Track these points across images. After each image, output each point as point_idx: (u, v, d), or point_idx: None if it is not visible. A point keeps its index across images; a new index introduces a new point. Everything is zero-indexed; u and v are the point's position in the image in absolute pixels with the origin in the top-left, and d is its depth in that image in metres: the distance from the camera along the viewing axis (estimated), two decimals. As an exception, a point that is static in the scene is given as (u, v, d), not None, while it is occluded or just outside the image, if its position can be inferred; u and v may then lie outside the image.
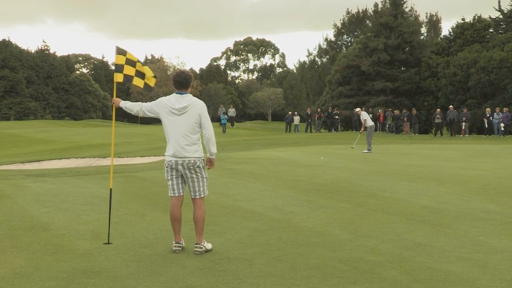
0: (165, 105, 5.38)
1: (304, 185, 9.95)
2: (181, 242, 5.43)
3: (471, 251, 5.42)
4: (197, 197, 5.43)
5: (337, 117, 41.09)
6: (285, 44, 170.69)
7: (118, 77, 6.13)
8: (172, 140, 5.36)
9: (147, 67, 6.27)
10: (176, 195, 5.45)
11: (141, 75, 6.18)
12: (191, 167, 5.36)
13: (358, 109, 19.95)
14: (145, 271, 4.74)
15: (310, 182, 10.30)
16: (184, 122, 5.32)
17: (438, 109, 33.23)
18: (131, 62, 6.15)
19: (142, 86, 6.21)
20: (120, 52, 6.15)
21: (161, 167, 13.34)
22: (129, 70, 6.14)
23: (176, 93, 5.42)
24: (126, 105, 5.70)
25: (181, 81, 5.41)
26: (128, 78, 6.15)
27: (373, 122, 19.43)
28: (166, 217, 7.06)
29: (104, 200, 8.40)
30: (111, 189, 6.29)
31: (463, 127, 32.29)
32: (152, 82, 6.21)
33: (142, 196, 8.91)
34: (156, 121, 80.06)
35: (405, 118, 35.84)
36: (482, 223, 6.73)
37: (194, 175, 5.40)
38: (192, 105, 5.34)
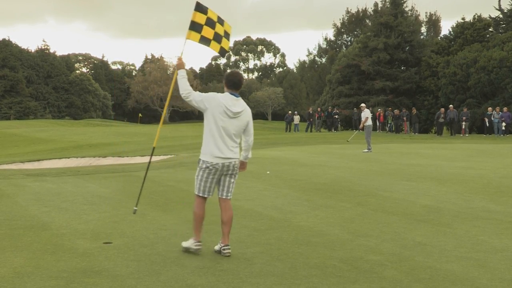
0: (220, 104, 5.15)
1: (304, 184, 9.95)
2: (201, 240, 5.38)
3: (471, 250, 5.42)
4: (229, 197, 5.35)
5: (337, 116, 41.08)
6: (286, 44, 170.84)
7: (194, 36, 5.74)
8: (219, 141, 5.16)
9: (226, 24, 5.86)
10: (209, 196, 5.31)
11: (218, 38, 5.81)
12: (231, 168, 5.24)
13: (363, 105, 19.85)
14: (145, 270, 4.74)
15: (310, 181, 10.30)
16: (235, 126, 5.20)
17: (442, 109, 33.20)
18: (211, 23, 5.75)
19: (218, 50, 5.87)
20: (201, 9, 5.71)
21: (161, 166, 13.34)
22: (207, 32, 5.75)
23: (230, 93, 5.25)
24: (183, 74, 5.35)
25: (236, 82, 5.29)
26: (205, 41, 5.77)
27: (372, 122, 19.43)
28: (166, 217, 7.07)
29: (104, 200, 8.40)
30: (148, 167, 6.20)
31: (463, 127, 32.29)
32: (227, 45, 5.88)
33: (142, 195, 8.88)
34: (156, 120, 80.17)
35: (405, 118, 35.83)
36: (482, 222, 6.73)
37: (231, 177, 5.31)
38: (245, 111, 5.27)
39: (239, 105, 5.23)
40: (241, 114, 5.22)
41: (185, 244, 5.36)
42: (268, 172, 7.58)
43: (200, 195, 5.29)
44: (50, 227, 6.45)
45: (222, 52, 6.00)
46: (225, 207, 5.34)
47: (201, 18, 5.71)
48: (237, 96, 5.25)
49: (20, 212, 7.40)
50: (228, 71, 5.41)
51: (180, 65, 5.44)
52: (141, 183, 6.31)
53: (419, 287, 4.34)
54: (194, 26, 5.71)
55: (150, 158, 6.54)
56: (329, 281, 4.46)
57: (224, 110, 5.14)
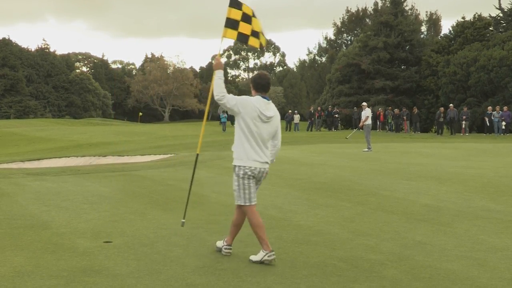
0: (255, 109, 4.97)
1: (304, 183, 9.95)
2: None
3: (471, 249, 5.42)
4: (256, 202, 5.15)
5: (337, 115, 41.09)
6: (286, 43, 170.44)
7: (230, 34, 5.53)
8: (256, 146, 4.99)
9: (258, 21, 5.60)
10: (255, 203, 5.10)
11: (256, 33, 5.58)
12: (264, 174, 5.12)
13: (365, 104, 19.83)
14: (145, 269, 4.74)
15: (310, 180, 10.30)
16: (268, 130, 5.05)
17: (442, 108, 33.22)
18: (247, 18, 5.49)
19: (258, 46, 5.65)
20: (235, 4, 5.50)
21: (161, 165, 13.34)
22: (245, 28, 5.52)
23: (262, 97, 5.07)
24: (220, 75, 5.11)
25: (265, 85, 5.11)
26: (243, 38, 5.55)
27: (371, 122, 19.42)
28: (166, 216, 7.07)
29: (104, 199, 8.40)
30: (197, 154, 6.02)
31: (463, 126, 32.29)
32: (264, 41, 5.68)
33: (142, 194, 8.91)
34: (156, 119, 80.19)
35: (405, 117, 35.83)
36: (482, 221, 6.73)
37: (258, 183, 5.17)
38: (276, 115, 5.13)
39: (272, 109, 5.09)
40: (273, 119, 5.09)
41: (255, 257, 4.99)
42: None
43: (248, 204, 5.02)
44: (50, 226, 6.45)
45: (262, 48, 5.86)
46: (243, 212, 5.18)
47: (236, 14, 5.50)
48: (268, 99, 5.10)
49: (20, 211, 7.40)
50: (255, 73, 5.24)
51: (217, 65, 5.20)
52: (187, 193, 5.88)
53: (419, 286, 4.34)
54: (230, 23, 5.51)
55: (194, 169, 6.06)
56: (329, 280, 4.46)
57: (258, 114, 4.97)
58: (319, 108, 42.55)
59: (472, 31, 41.84)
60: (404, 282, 4.41)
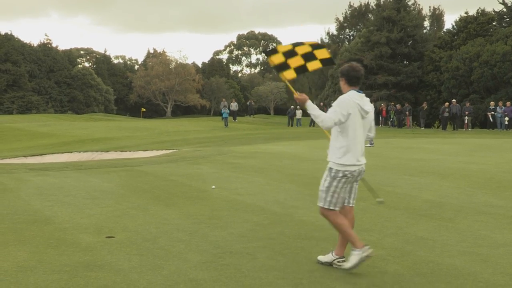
0: (356, 105, 4.56)
1: (306, 179, 9.95)
2: None
3: (474, 245, 5.42)
4: (354, 204, 4.83)
5: (339, 111, 40.99)
6: (289, 38, 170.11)
7: (288, 74, 5.29)
8: (358, 145, 4.61)
9: (306, 44, 5.30)
10: (339, 208, 4.70)
11: (309, 56, 5.28)
12: (362, 173, 4.74)
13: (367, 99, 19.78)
14: (148, 264, 4.75)
15: (312, 176, 10.30)
16: (365, 126, 4.69)
17: (447, 103, 33.16)
18: (291, 53, 5.26)
19: (320, 65, 5.33)
20: (272, 52, 5.28)
21: (163, 161, 13.35)
22: (295, 61, 5.28)
23: (357, 91, 4.63)
24: (311, 109, 4.66)
25: (360, 77, 4.67)
26: (301, 69, 5.29)
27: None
28: (168, 211, 7.08)
29: (106, 194, 8.42)
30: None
31: (466, 121, 32.23)
32: (325, 53, 5.31)
33: (145, 190, 8.92)
34: (158, 115, 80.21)
35: (407, 112, 35.76)
36: (485, 217, 6.73)
37: (357, 182, 4.79)
38: (372, 107, 4.73)
39: (368, 102, 4.68)
40: (370, 113, 4.69)
41: (352, 262, 4.54)
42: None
43: (332, 208, 4.62)
44: (53, 221, 6.47)
45: (327, 62, 5.41)
46: (351, 216, 4.81)
47: (278, 58, 5.26)
48: (362, 93, 4.66)
49: (23, 206, 7.42)
50: (346, 65, 4.73)
51: (302, 101, 4.77)
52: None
53: (421, 281, 4.34)
54: (280, 68, 5.27)
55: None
56: (331, 275, 4.47)
57: (359, 110, 4.58)
58: (321, 104, 42.50)
59: (475, 26, 41.69)
60: (406, 278, 4.42)
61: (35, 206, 7.47)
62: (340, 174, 4.60)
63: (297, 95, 4.87)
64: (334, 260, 4.69)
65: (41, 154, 18.47)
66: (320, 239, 5.65)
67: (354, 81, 4.65)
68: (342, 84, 4.72)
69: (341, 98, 4.60)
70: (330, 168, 4.70)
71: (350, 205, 4.77)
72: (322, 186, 4.70)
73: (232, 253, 5.11)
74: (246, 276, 4.43)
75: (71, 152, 19.23)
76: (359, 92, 4.63)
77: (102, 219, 6.60)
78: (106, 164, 12.92)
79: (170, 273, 4.51)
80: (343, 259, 4.63)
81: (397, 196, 8.22)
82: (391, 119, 37.64)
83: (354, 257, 4.52)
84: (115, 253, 5.11)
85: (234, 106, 41.62)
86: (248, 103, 55.75)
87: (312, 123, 39.81)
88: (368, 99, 4.70)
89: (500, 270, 4.61)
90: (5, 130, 33.53)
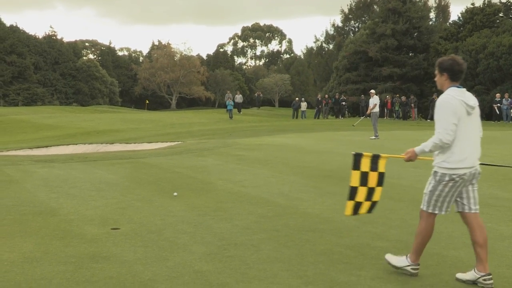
0: (462, 103, 4.13)
1: (311, 171, 9.94)
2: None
3: (479, 237, 5.40)
4: (478, 210, 4.37)
5: (344, 103, 40.94)
6: (295, 30, 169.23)
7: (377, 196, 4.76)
8: (470, 146, 4.27)
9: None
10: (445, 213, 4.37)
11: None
12: (476, 175, 4.39)
13: (373, 91, 19.73)
14: (153, 256, 4.76)
15: (317, 168, 10.29)
16: (474, 124, 4.29)
17: None
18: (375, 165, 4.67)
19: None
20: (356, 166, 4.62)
21: (168, 153, 13.37)
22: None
23: (457, 87, 4.21)
24: (425, 149, 4.33)
25: (463, 72, 4.25)
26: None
27: (379, 109, 19.37)
28: (173, 203, 7.09)
29: (111, 186, 8.44)
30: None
31: (472, 113, 32.06)
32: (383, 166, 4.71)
33: (149, 182, 8.94)
34: (163, 107, 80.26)
35: (413, 104, 35.63)
36: (490, 209, 6.71)
37: (475, 184, 4.41)
38: (476, 102, 4.31)
39: (471, 97, 4.25)
40: (475, 108, 4.25)
41: (397, 262, 4.38)
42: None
43: (436, 212, 4.29)
44: (58, 213, 6.50)
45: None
46: (478, 224, 4.31)
47: (365, 166, 4.65)
48: (463, 88, 4.24)
49: (28, 198, 7.46)
50: (446, 58, 4.31)
51: (412, 155, 4.48)
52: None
53: (426, 273, 4.34)
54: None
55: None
56: (336, 267, 4.47)
57: (465, 108, 4.15)
58: (326, 96, 42.41)
59: (481, 17, 41.39)
60: (411, 270, 4.41)
61: (40, 197, 7.50)
62: (447, 178, 4.21)
63: (405, 156, 4.50)
64: (479, 278, 4.10)
65: (46, 146, 18.53)
66: (325, 231, 5.66)
67: (458, 77, 4.24)
68: (443, 80, 4.30)
69: (443, 100, 4.17)
70: (435, 172, 4.34)
71: (472, 211, 4.33)
72: (426, 189, 4.37)
73: (237, 245, 5.12)
74: (251, 268, 4.44)
75: (76, 144, 19.28)
76: (459, 87, 4.22)
77: (107, 211, 6.63)
78: (111, 156, 12.95)
79: (175, 264, 4.53)
80: (489, 276, 4.08)
81: (402, 188, 8.21)
82: (396, 111, 37.53)
83: (400, 261, 4.35)
84: (120, 244, 5.13)
85: (238, 98, 41.57)
86: (256, 94, 56.20)
87: (317, 115, 39.75)
88: (470, 93, 4.28)
89: (505, 263, 4.60)
90: (10, 122, 33.64)
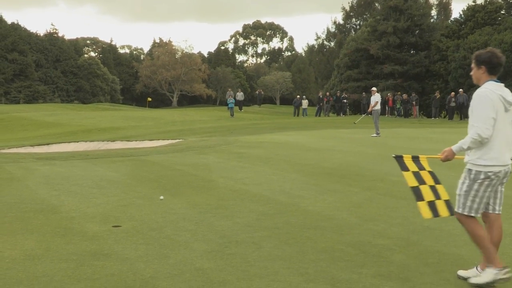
0: (500, 98, 3.96)
1: (312, 169, 9.94)
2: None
3: (480, 235, 5.40)
4: (501, 212, 4.21)
5: (345, 101, 40.89)
6: (296, 27, 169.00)
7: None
8: (503, 142, 4.01)
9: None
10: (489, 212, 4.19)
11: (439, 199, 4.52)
12: (508, 174, 4.14)
13: (374, 89, 19.72)
14: (154, 253, 4.77)
15: (318, 166, 10.29)
16: (509, 120, 4.06)
17: (453, 93, 33.02)
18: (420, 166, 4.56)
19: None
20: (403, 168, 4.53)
21: (169, 150, 13.38)
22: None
23: (495, 81, 4.06)
24: (463, 146, 4.15)
25: (502, 65, 4.10)
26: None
27: (380, 107, 19.36)
28: (174, 201, 7.10)
29: (113, 184, 8.45)
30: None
31: (473, 111, 32.03)
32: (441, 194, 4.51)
33: (151, 179, 8.94)
34: (164, 104, 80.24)
35: (414, 102, 35.60)
36: (491, 207, 6.69)
37: (503, 185, 4.24)
38: None
39: (510, 92, 4.05)
40: None
41: (483, 279, 4.03)
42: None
43: (473, 215, 4.08)
44: (60, 210, 6.51)
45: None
46: (498, 225, 4.19)
47: (412, 167, 4.59)
48: (500, 82, 4.07)
49: (30, 195, 7.46)
50: (484, 51, 4.17)
51: (449, 153, 4.36)
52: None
53: (427, 271, 4.34)
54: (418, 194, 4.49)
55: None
56: (337, 265, 4.47)
57: (503, 103, 3.98)
58: (327, 94, 42.38)
59: (483, 14, 41.33)
60: (412, 267, 4.42)
61: (42, 195, 7.51)
62: (482, 176, 4.03)
63: (442, 156, 4.39)
64: (497, 273, 4.02)
65: (47, 144, 18.54)
66: (326, 229, 5.65)
67: (496, 70, 4.08)
68: (480, 73, 4.12)
69: (481, 93, 3.98)
70: (469, 170, 4.14)
71: (496, 212, 4.17)
72: (460, 190, 4.19)
73: (238, 242, 5.12)
74: (252, 266, 4.44)
75: (78, 142, 19.30)
76: (497, 82, 4.06)
77: (108, 208, 6.63)
78: (113, 153, 12.96)
79: (176, 262, 4.53)
80: (506, 269, 4.00)
81: (403, 185, 8.17)
82: (397, 109, 37.50)
83: (488, 275, 4.01)
84: (122, 242, 5.14)
85: (240, 96, 41.56)
86: (257, 92, 56.44)
87: (318, 113, 39.72)
88: (508, 89, 4.09)
89: (507, 260, 4.59)
90: (12, 119, 33.66)
